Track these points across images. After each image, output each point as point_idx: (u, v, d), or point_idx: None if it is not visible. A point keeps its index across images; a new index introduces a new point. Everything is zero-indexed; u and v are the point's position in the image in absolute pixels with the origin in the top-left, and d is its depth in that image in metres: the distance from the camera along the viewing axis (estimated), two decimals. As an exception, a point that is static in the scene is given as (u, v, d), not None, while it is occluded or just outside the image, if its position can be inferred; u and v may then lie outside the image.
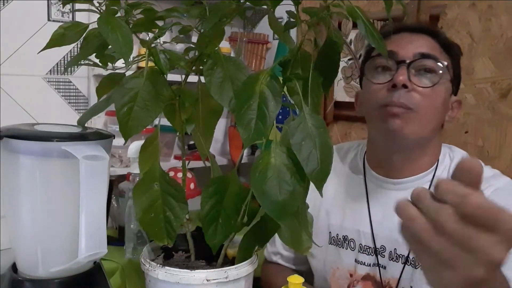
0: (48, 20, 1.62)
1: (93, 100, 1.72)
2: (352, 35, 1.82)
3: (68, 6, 1.64)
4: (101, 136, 0.64)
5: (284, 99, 0.55)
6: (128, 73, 0.58)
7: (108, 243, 0.61)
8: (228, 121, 2.11)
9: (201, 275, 0.58)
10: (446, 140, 0.93)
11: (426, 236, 0.39)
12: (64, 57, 1.67)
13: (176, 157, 1.79)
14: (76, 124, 0.68)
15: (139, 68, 1.44)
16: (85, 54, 0.61)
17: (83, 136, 0.62)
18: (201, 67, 0.59)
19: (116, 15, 0.56)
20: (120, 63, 0.58)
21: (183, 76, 0.63)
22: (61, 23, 0.60)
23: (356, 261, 0.90)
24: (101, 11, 0.56)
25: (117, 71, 0.63)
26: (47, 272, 0.63)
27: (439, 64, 0.81)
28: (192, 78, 0.62)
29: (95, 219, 0.60)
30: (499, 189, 0.81)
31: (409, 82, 0.79)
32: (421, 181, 0.87)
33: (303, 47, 0.56)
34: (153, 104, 0.54)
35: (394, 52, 0.82)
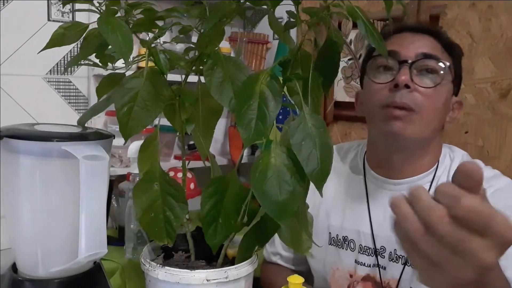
0: (48, 20, 1.62)
1: (93, 100, 1.72)
2: (352, 35, 1.82)
3: (68, 6, 1.64)
4: (101, 136, 0.64)
5: (284, 99, 0.55)
6: (128, 73, 0.58)
7: (108, 243, 0.61)
8: (228, 121, 2.11)
9: (201, 275, 0.58)
10: (446, 140, 0.93)
11: (417, 237, 0.39)
12: (64, 57, 1.67)
13: (176, 157, 1.79)
14: (76, 124, 0.68)
15: (139, 68, 1.44)
16: (85, 54, 0.61)
17: (83, 136, 0.62)
18: (201, 67, 0.59)
19: (116, 15, 0.56)
20: (120, 63, 0.58)
21: (183, 76, 0.63)
22: (61, 23, 0.60)
23: (356, 261, 0.90)
24: (101, 11, 0.56)
25: (117, 71, 0.63)
26: (47, 272, 0.63)
27: (441, 64, 0.81)
28: (192, 78, 0.62)
29: (95, 219, 0.60)
30: (499, 189, 0.81)
31: (411, 82, 0.79)
32: (422, 181, 0.87)
33: (303, 47, 0.56)
34: (153, 104, 0.54)
35: (396, 52, 0.82)
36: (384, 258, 0.87)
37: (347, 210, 0.93)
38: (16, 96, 1.58)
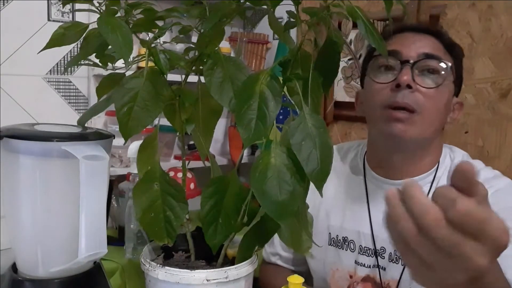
0: (48, 20, 1.62)
1: (93, 100, 1.72)
2: (352, 35, 1.82)
3: (68, 6, 1.64)
4: (101, 136, 0.64)
5: (284, 99, 0.55)
6: (128, 73, 0.58)
7: (108, 243, 0.61)
8: (228, 121, 2.11)
9: (201, 275, 0.58)
10: (446, 141, 0.93)
11: (411, 238, 0.38)
12: (64, 57, 1.67)
13: (176, 157, 1.79)
14: (76, 124, 0.68)
15: (139, 68, 1.44)
16: (85, 54, 0.61)
17: (83, 136, 0.62)
18: (201, 67, 0.59)
19: (116, 15, 0.56)
20: (120, 63, 0.58)
21: (183, 76, 0.63)
22: (61, 23, 0.60)
23: (356, 262, 0.90)
24: (101, 11, 0.56)
25: (117, 71, 0.63)
26: (47, 272, 0.63)
27: (443, 64, 0.81)
28: (192, 78, 0.62)
29: (95, 219, 0.60)
30: (499, 190, 0.81)
31: (413, 82, 0.79)
32: (422, 182, 0.87)
33: (303, 47, 0.56)
34: (153, 104, 0.54)
35: (398, 52, 0.82)
36: (384, 259, 0.87)
37: (347, 210, 0.93)
38: (16, 96, 1.58)
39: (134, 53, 0.54)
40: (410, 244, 0.38)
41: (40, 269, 0.63)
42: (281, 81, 0.55)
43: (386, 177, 0.89)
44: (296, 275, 0.66)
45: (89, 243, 0.59)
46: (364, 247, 0.89)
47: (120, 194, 1.28)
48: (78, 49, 0.62)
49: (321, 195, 0.49)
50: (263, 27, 2.16)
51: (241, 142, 0.52)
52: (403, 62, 0.80)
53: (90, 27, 0.58)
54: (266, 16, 0.56)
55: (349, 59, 1.85)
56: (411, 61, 0.80)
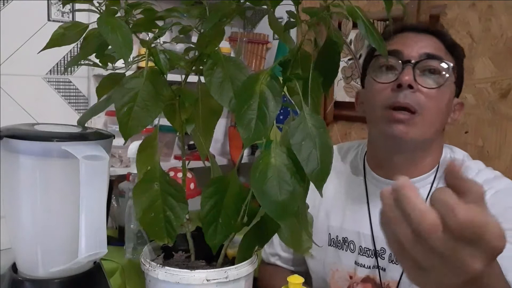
0: (48, 20, 1.62)
1: (93, 100, 1.72)
2: (352, 35, 1.82)
3: (68, 6, 1.64)
4: (101, 136, 0.64)
5: (284, 99, 0.55)
6: (128, 73, 0.58)
7: (108, 243, 0.61)
8: (228, 121, 2.11)
9: (201, 275, 0.58)
10: (446, 141, 0.93)
11: (406, 242, 0.38)
12: (64, 57, 1.67)
13: (176, 157, 1.79)
14: (76, 124, 0.68)
15: (139, 68, 1.44)
16: (85, 54, 0.61)
17: (83, 136, 0.62)
18: (201, 67, 0.59)
19: (116, 15, 0.56)
20: (120, 63, 0.58)
21: (183, 76, 0.63)
22: (61, 23, 0.60)
23: (356, 263, 0.90)
24: (101, 11, 0.56)
25: (117, 71, 0.63)
26: (47, 272, 0.63)
27: (445, 65, 0.81)
28: (192, 78, 0.62)
29: (95, 219, 0.60)
30: (500, 191, 0.81)
31: (414, 82, 0.78)
32: (423, 182, 0.87)
33: (303, 47, 0.56)
34: (153, 104, 0.54)
35: (399, 52, 0.81)
36: (384, 259, 0.87)
37: (347, 211, 0.92)
38: (16, 96, 1.58)
39: (134, 53, 0.54)
40: (405, 246, 0.38)
41: (40, 269, 0.63)
42: (281, 81, 0.55)
43: (387, 178, 0.89)
44: (296, 275, 0.66)
45: (89, 243, 0.59)
46: (364, 247, 0.89)
47: (120, 194, 1.28)
48: (78, 49, 0.62)
49: (321, 195, 0.49)
50: (263, 27, 2.16)
51: (241, 142, 0.52)
52: (405, 62, 0.80)
53: (90, 27, 0.58)
54: (266, 16, 0.56)
55: (349, 59, 1.85)
56: (413, 61, 0.80)
